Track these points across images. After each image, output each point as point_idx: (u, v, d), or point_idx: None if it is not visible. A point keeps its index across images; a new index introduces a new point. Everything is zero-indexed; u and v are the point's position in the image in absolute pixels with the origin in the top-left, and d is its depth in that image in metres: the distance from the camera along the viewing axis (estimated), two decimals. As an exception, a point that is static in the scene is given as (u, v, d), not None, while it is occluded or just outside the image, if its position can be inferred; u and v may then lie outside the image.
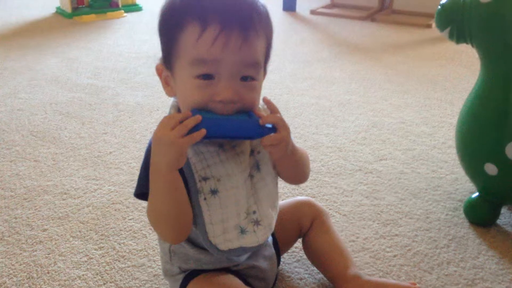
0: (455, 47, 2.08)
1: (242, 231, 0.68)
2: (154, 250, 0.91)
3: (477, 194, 0.98)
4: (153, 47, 2.07)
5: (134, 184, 1.11)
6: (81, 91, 1.64)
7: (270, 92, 1.66)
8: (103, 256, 0.90)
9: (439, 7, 0.97)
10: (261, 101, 0.66)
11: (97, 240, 0.94)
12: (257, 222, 0.69)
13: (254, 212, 0.68)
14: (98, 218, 1.00)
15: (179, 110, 0.66)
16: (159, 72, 0.66)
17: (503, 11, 0.86)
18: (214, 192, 0.65)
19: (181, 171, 0.62)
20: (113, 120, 1.43)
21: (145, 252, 0.91)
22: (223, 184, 0.65)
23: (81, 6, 2.64)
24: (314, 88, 1.70)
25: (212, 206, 0.65)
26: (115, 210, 1.03)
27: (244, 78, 0.61)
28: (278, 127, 0.63)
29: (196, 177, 0.64)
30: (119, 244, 0.93)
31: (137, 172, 1.15)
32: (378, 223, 0.99)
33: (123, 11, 2.61)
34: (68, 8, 2.57)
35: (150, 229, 0.97)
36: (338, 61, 1.96)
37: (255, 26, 0.60)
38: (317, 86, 1.71)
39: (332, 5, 2.86)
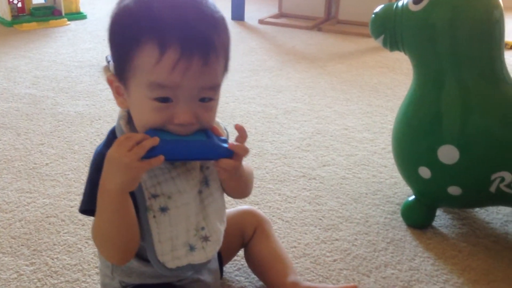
0: (396, 56, 2.15)
1: (191, 248, 0.66)
2: (89, 265, 0.88)
3: (413, 197, 1.01)
4: (97, 56, 2.02)
5: (70, 196, 1.08)
6: (18, 101, 1.57)
7: (216, 100, 1.65)
8: (34, 272, 0.85)
9: (373, 15, 0.99)
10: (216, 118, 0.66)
11: (29, 256, 0.89)
12: (206, 238, 0.67)
13: (203, 228, 0.67)
14: (30, 232, 0.95)
15: (130, 119, 0.63)
16: (110, 82, 0.63)
17: (432, 19, 0.89)
18: (163, 209, 0.63)
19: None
20: (51, 131, 1.38)
21: (80, 267, 0.87)
22: (173, 202, 0.63)
23: (21, 14, 2.54)
24: (261, 96, 1.70)
25: (161, 224, 0.63)
26: (49, 223, 0.98)
27: (203, 99, 0.59)
28: (239, 157, 0.63)
29: (145, 194, 0.62)
30: (52, 259, 0.88)
31: (75, 184, 1.13)
32: (319, 228, 1.00)
33: (66, 19, 2.54)
34: (7, 16, 2.47)
35: (86, 242, 0.93)
36: (285, 70, 1.98)
37: (216, 48, 0.58)
38: (264, 94, 1.72)
39: (280, 15, 2.90)
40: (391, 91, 1.78)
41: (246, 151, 0.63)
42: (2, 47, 2.13)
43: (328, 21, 2.75)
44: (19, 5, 2.52)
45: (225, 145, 0.62)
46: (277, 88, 1.79)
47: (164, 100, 0.57)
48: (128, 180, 0.57)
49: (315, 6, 2.81)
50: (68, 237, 0.94)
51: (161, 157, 0.56)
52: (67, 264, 0.88)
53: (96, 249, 0.91)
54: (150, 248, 0.63)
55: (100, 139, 1.33)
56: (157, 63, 0.55)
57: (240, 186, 0.71)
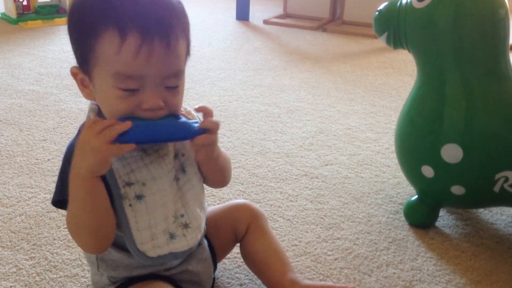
0: (401, 57, 2.14)
1: (172, 236, 0.65)
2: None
3: (416, 196, 1.00)
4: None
5: (71, 191, 1.07)
6: (21, 98, 1.57)
7: (220, 99, 1.65)
8: (33, 267, 0.85)
9: (377, 12, 0.99)
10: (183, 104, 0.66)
11: (28, 250, 0.89)
12: (186, 226, 0.67)
13: (182, 216, 0.67)
14: (31, 227, 0.95)
15: (99, 113, 0.63)
16: (74, 75, 0.63)
17: (436, 16, 0.88)
18: (139, 197, 0.63)
19: (103, 177, 0.60)
20: (53, 127, 1.38)
21: (79, 262, 0.86)
22: (148, 188, 0.63)
23: (27, 12, 2.55)
24: (264, 95, 1.70)
25: (138, 212, 0.63)
26: (50, 218, 0.98)
27: (168, 87, 0.60)
28: (213, 131, 0.63)
29: (119, 183, 0.62)
30: (52, 254, 0.88)
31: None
32: (321, 227, 0.99)
33: (71, 17, 2.55)
34: (13, 14, 2.48)
35: (86, 237, 0.93)
36: (289, 69, 1.98)
37: (175, 30, 0.58)
38: (267, 94, 1.71)
39: (285, 15, 2.90)
40: (396, 92, 1.77)
41: (217, 124, 0.63)
42: (7, 44, 2.14)
43: (333, 22, 2.74)
44: (25, 3, 2.53)
45: (196, 124, 0.63)
46: (281, 87, 1.78)
47: (131, 90, 0.58)
48: (97, 162, 0.56)
49: (320, 6, 2.81)
50: (68, 232, 0.94)
51: (132, 145, 0.57)
52: (67, 259, 0.87)
53: (95, 245, 0.91)
54: (129, 238, 0.63)
55: (102, 136, 1.33)
56: (119, 51, 0.56)
57: (218, 170, 0.71)
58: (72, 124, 1.40)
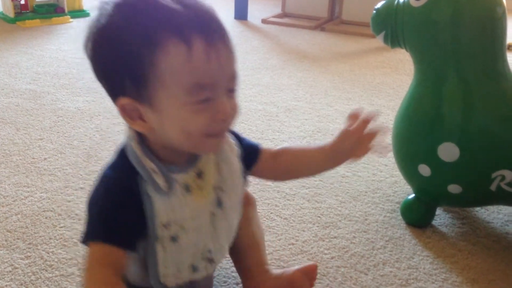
0: (400, 57, 2.14)
1: (194, 269, 0.64)
2: (84, 259, 0.87)
3: (413, 195, 1.00)
4: (99, 53, 2.02)
5: (68, 191, 1.07)
6: (18, 97, 1.57)
7: (217, 98, 1.64)
8: (29, 266, 0.85)
9: (374, 11, 0.99)
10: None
11: (24, 249, 0.89)
12: (210, 260, 0.65)
13: (210, 251, 0.65)
14: (26, 226, 0.95)
15: (140, 139, 0.58)
16: (122, 108, 0.54)
17: (433, 15, 0.88)
18: (174, 239, 0.60)
19: (142, 216, 0.57)
20: (50, 126, 1.37)
21: (75, 261, 0.86)
22: (185, 230, 0.60)
23: (25, 11, 2.54)
24: (262, 94, 1.69)
25: (169, 253, 0.60)
26: (46, 218, 0.98)
27: (230, 91, 0.56)
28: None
29: (157, 224, 0.58)
30: (48, 253, 0.88)
31: (73, 179, 1.12)
32: (317, 226, 0.99)
33: (69, 16, 2.54)
34: (11, 13, 2.47)
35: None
36: (287, 69, 1.97)
37: (227, 33, 0.55)
38: (265, 93, 1.71)
39: (284, 15, 2.89)
40: (394, 91, 1.77)
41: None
42: (4, 43, 2.13)
43: (331, 21, 2.74)
44: (22, 2, 2.53)
45: None
46: (279, 86, 1.78)
47: (206, 100, 0.53)
48: None
49: (319, 6, 2.81)
50: (64, 231, 0.94)
51: None
52: (63, 258, 0.87)
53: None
54: (153, 271, 0.61)
55: (99, 135, 1.33)
56: (189, 59, 0.50)
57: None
58: (68, 123, 1.40)
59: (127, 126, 0.59)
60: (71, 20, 2.54)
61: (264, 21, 2.73)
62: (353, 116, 0.68)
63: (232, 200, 0.65)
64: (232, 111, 0.56)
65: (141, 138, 0.58)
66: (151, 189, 0.57)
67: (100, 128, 1.37)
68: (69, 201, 1.03)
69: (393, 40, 0.96)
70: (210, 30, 0.52)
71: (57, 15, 2.52)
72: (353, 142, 0.66)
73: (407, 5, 0.91)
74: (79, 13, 2.64)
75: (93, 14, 0.54)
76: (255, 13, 2.88)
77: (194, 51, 0.50)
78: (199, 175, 0.61)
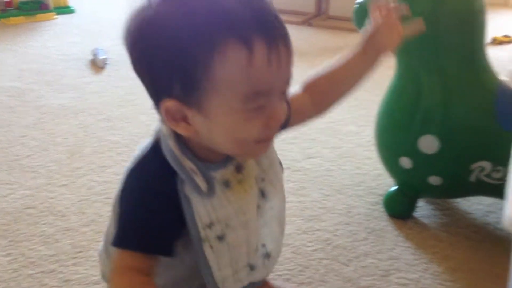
0: (386, 51, 2.14)
1: (252, 268, 0.60)
2: (66, 255, 0.87)
3: (395, 187, 1.01)
4: (83, 50, 2.00)
5: (51, 188, 1.06)
6: (2, 94, 1.56)
7: (203, 93, 1.64)
8: (10, 263, 0.84)
9: (356, 5, 0.99)
10: None
11: (6, 246, 0.88)
12: (267, 255, 0.62)
13: (264, 246, 0.61)
14: (8, 223, 0.94)
15: (178, 138, 0.53)
16: (167, 110, 0.49)
17: (413, 8, 0.88)
18: (221, 238, 0.56)
19: (182, 219, 0.53)
20: (34, 123, 1.36)
21: (56, 258, 0.86)
22: (231, 227, 0.56)
23: (9, 8, 2.51)
24: (248, 89, 1.69)
25: (219, 253, 0.56)
26: (28, 215, 0.97)
27: (283, 93, 0.51)
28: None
29: (199, 226, 0.54)
30: (29, 250, 0.87)
31: (56, 176, 1.12)
32: (302, 219, 1.00)
33: (54, 13, 2.52)
34: (-5, 10, 2.45)
35: (63, 233, 0.92)
36: (273, 64, 1.97)
37: (286, 30, 0.50)
38: (251, 88, 1.71)
39: (270, 10, 2.89)
40: (379, 85, 1.76)
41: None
42: (-12, 40, 2.11)
43: (318, 17, 2.74)
44: (7, -1, 2.50)
45: None
46: (265, 81, 1.78)
47: (260, 107, 0.49)
48: None
49: (306, 1, 2.81)
50: (46, 228, 0.93)
51: None
52: (44, 254, 0.87)
53: (73, 240, 0.91)
54: (209, 277, 0.57)
55: (83, 132, 1.32)
56: (250, 64, 0.45)
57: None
58: (52, 120, 1.39)
59: (162, 122, 0.54)
60: (56, 16, 2.52)
61: (251, 16, 2.73)
62: (377, 8, 0.65)
63: (276, 189, 0.62)
64: (284, 115, 0.52)
65: (177, 135, 0.53)
66: (190, 190, 0.53)
67: (84, 124, 1.36)
68: (51, 198, 1.03)
69: (374, 33, 0.96)
70: (271, 30, 0.47)
71: (42, 12, 2.50)
72: (386, 31, 0.64)
73: (387, -1, 0.92)
74: (64, 9, 2.61)
75: (136, 3, 0.49)
76: (242, 9, 2.88)
77: (255, 56, 0.45)
78: (238, 169, 0.57)
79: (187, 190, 0.53)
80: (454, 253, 0.90)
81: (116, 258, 0.54)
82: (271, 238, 0.62)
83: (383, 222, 0.99)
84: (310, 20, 2.66)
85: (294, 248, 0.91)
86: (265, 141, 0.53)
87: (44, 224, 0.94)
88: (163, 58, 0.47)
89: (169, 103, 0.49)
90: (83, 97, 1.54)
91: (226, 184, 0.55)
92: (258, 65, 0.46)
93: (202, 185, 0.53)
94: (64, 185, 1.07)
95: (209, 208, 0.54)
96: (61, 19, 2.50)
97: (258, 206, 0.60)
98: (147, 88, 0.52)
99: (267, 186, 0.60)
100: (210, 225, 0.54)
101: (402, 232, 0.96)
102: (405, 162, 0.93)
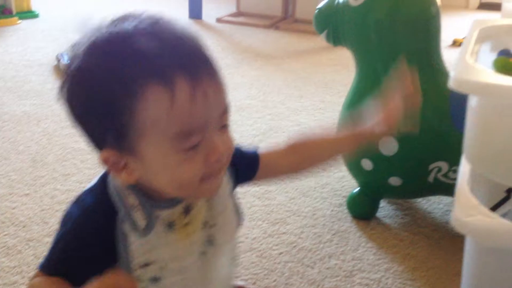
0: (350, 54, 2.18)
1: None
2: (28, 266, 0.85)
3: (358, 189, 1.03)
4: (47, 55, 1.97)
5: (12, 198, 1.04)
6: (-39, 102, 1.52)
7: (170, 98, 1.64)
8: (-30, 276, 0.82)
9: (316, 10, 1.01)
10: None
11: (-35, 260, 0.86)
12: None
13: None
14: (-32, 235, 0.92)
15: (135, 188, 0.52)
16: (106, 160, 0.49)
17: (371, 14, 0.91)
18: (155, 280, 0.53)
19: (114, 257, 0.51)
20: (-5, 131, 1.34)
21: (19, 269, 0.85)
22: (168, 271, 0.54)
23: (-30, 12, 2.45)
24: (215, 94, 1.70)
25: None
26: (-12, 226, 0.95)
27: (223, 127, 0.50)
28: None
29: (133, 266, 0.52)
30: (-10, 262, 0.86)
31: (17, 185, 1.10)
32: (267, 223, 1.01)
33: (17, 18, 2.46)
34: (-46, 15, 2.38)
35: (26, 244, 0.91)
36: (241, 68, 1.98)
37: (211, 57, 0.49)
38: (218, 92, 1.71)
39: (238, 14, 2.90)
40: (344, 88, 1.79)
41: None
42: None
43: (285, 20, 2.77)
44: (-33, 3, 2.44)
45: None
46: (232, 85, 1.79)
47: (195, 146, 0.48)
48: None
49: (273, 4, 2.83)
50: (8, 239, 0.92)
51: None
52: (6, 266, 0.85)
53: (36, 251, 0.89)
54: None
55: (46, 139, 1.30)
56: (172, 105, 0.45)
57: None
58: (14, 127, 1.36)
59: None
60: (19, 21, 2.47)
61: (219, 20, 2.73)
62: (386, 104, 0.66)
63: (226, 236, 0.59)
64: (226, 149, 0.50)
65: (136, 185, 0.52)
66: (128, 228, 0.51)
67: (48, 132, 1.34)
68: (13, 208, 1.01)
69: (335, 38, 0.99)
70: (193, 66, 0.46)
71: (5, 17, 2.44)
72: (383, 128, 0.65)
73: (346, 5, 0.94)
74: (27, 14, 2.56)
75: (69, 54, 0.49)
76: (210, 12, 2.87)
77: (177, 96, 0.45)
78: (187, 210, 0.55)
79: (125, 227, 0.51)
80: (415, 252, 0.93)
81: (33, 280, 0.53)
82: (220, 285, 0.61)
83: (347, 223, 1.01)
84: (276, 23, 2.68)
85: (259, 252, 0.92)
86: (211, 177, 0.51)
87: (6, 235, 0.93)
88: (91, 110, 0.48)
89: (106, 153, 0.49)
90: (47, 103, 1.52)
91: (170, 225, 0.54)
92: (181, 104, 0.45)
93: (140, 222, 0.52)
94: (26, 194, 1.05)
95: (146, 248, 0.52)
96: (25, 24, 2.45)
97: (203, 253, 0.57)
98: (86, 139, 0.52)
99: (216, 232, 0.58)
100: (145, 266, 0.53)
101: (365, 233, 0.98)
102: (366, 164, 0.95)
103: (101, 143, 0.49)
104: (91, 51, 0.47)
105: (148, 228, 0.52)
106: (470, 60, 0.56)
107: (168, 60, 0.45)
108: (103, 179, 0.54)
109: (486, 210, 0.51)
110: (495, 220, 0.50)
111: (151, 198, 0.53)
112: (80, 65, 0.47)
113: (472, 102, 0.58)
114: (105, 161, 0.49)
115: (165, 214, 0.53)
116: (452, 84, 0.52)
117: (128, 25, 0.47)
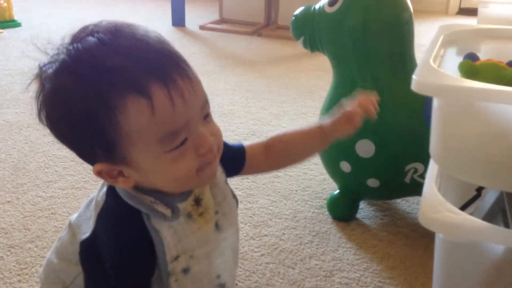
0: (332, 59, 2.22)
1: None
2: (10, 272, 0.85)
3: (338, 191, 1.05)
4: (29, 64, 1.96)
5: (-6, 205, 1.04)
6: None
7: (153, 105, 1.64)
8: (-49, 285, 0.82)
9: (293, 17, 1.03)
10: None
11: None
12: (222, 286, 0.63)
13: (219, 276, 0.62)
14: (-51, 244, 0.92)
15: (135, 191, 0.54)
16: (99, 173, 0.51)
17: (346, 20, 0.93)
18: (186, 271, 0.56)
19: (152, 251, 0.53)
20: (-24, 140, 1.33)
21: (0, 275, 0.85)
22: (195, 259, 0.57)
23: (-50, 21, 2.44)
24: (198, 100, 1.71)
25: (183, 286, 0.57)
26: (-30, 234, 0.95)
27: (205, 117, 0.52)
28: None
29: (168, 259, 0.54)
30: (-29, 270, 0.86)
31: (2, 194, 1.10)
32: (249, 226, 1.02)
33: (-1, 27, 2.46)
34: None
35: (8, 250, 0.91)
36: (223, 74, 2.00)
37: (181, 57, 0.51)
38: (201, 98, 1.72)
39: (221, 21, 2.92)
40: (326, 93, 1.83)
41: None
42: None
43: (268, 27, 2.80)
44: None
45: None
46: (215, 91, 1.80)
47: (182, 143, 0.50)
48: None
49: (255, 11, 2.86)
50: (-11, 247, 0.92)
51: None
52: (-13, 273, 0.85)
53: (18, 257, 0.89)
54: None
55: (28, 147, 1.30)
56: (153, 112, 0.47)
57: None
58: (-4, 136, 1.36)
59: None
60: (1, 31, 2.46)
61: (202, 27, 2.75)
62: (355, 103, 0.69)
63: (229, 221, 0.63)
64: (214, 137, 0.53)
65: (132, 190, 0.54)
66: (156, 221, 0.53)
67: (30, 140, 1.34)
68: (-5, 216, 1.01)
69: (312, 44, 1.01)
70: (165, 68, 0.47)
71: (-15, 25, 2.43)
72: (347, 125, 0.67)
73: (322, 11, 0.97)
74: (9, 23, 2.55)
75: (34, 80, 0.50)
76: (193, 20, 2.89)
77: (156, 102, 0.46)
78: (197, 201, 0.58)
79: (154, 222, 0.53)
80: (393, 251, 0.95)
81: None
82: (226, 269, 0.64)
83: (328, 225, 1.03)
84: (259, 30, 2.71)
85: (241, 254, 0.93)
86: (207, 165, 0.53)
87: (-14, 243, 0.93)
88: (75, 131, 0.49)
89: (99, 167, 0.51)
90: (28, 112, 1.51)
91: (189, 216, 0.56)
92: (162, 109, 0.47)
93: (165, 211, 0.54)
94: (8, 201, 1.06)
95: (175, 239, 0.55)
96: (7, 33, 2.45)
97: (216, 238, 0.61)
98: (79, 157, 0.53)
99: (221, 219, 0.61)
100: (177, 257, 0.55)
101: (345, 234, 1.00)
102: (345, 167, 0.97)
103: (92, 159, 0.51)
104: (62, 72, 0.48)
105: (175, 214, 0.54)
106: (433, 63, 0.58)
107: (139, 70, 0.47)
108: (111, 194, 0.55)
109: (452, 207, 0.53)
110: (461, 216, 0.52)
111: (165, 194, 0.54)
112: (54, 87, 0.48)
113: (435, 104, 0.61)
114: (98, 173, 0.51)
115: (181, 206, 0.55)
116: (413, 86, 0.55)
117: (92, 40, 0.48)
